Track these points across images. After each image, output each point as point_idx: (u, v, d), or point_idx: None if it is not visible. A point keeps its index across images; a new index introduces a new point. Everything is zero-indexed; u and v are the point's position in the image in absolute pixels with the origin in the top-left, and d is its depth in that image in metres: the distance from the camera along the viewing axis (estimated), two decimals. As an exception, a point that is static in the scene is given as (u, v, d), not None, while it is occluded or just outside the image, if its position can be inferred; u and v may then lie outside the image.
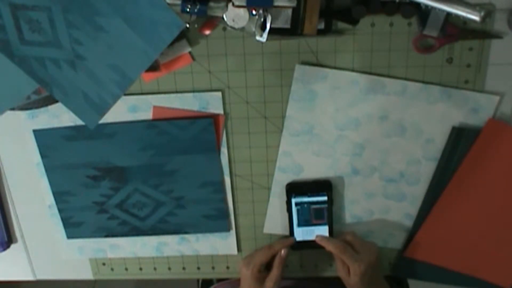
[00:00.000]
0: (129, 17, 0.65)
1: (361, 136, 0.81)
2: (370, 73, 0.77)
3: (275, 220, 0.88)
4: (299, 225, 0.86)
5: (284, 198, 0.85)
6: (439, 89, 0.77)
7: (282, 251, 0.84)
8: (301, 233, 0.86)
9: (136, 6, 0.64)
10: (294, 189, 0.84)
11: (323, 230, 0.85)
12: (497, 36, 0.73)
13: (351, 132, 0.81)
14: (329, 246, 0.82)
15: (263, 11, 0.68)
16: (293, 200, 0.84)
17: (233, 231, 0.89)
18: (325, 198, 0.84)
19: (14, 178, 0.89)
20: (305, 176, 0.84)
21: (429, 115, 0.78)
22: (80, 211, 0.89)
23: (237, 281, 0.90)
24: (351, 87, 0.77)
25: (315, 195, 0.84)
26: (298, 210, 0.85)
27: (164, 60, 0.76)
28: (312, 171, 0.84)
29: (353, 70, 0.77)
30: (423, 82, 0.76)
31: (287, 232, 0.87)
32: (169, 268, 0.94)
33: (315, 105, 0.79)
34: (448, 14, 0.69)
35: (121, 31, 0.65)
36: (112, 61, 0.67)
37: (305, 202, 0.84)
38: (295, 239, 0.86)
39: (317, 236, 0.84)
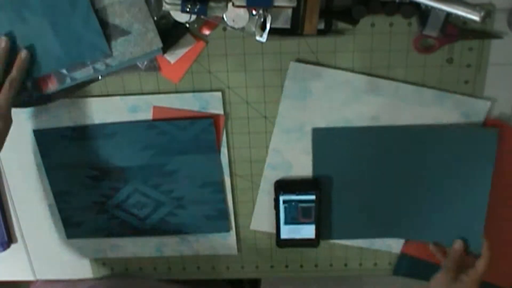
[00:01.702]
0: (57, 23, 0.67)
1: (352, 136, 0.81)
2: (365, 73, 0.76)
3: (262, 217, 0.88)
4: (286, 222, 0.85)
5: (273, 195, 0.85)
6: (432, 92, 0.77)
7: (22, 53, 0.70)
8: (288, 231, 0.86)
9: (68, 18, 0.67)
10: (282, 186, 0.84)
11: (310, 229, 0.85)
12: (497, 36, 0.73)
13: None
14: (451, 257, 0.83)
15: (263, 11, 0.68)
16: (281, 198, 0.84)
17: (233, 231, 0.89)
18: (313, 197, 0.83)
19: (14, 178, 0.89)
20: (295, 174, 0.84)
21: (420, 118, 0.78)
22: (80, 211, 0.89)
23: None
24: (344, 86, 0.77)
25: (304, 193, 0.83)
26: (285, 208, 0.84)
27: (176, 58, 0.76)
28: (302, 169, 0.84)
29: (353, 70, 0.76)
30: (417, 84, 0.76)
31: (273, 230, 0.87)
32: (169, 268, 0.94)
33: (307, 103, 0.79)
34: (448, 14, 0.69)
35: (43, 32, 0.68)
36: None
37: (293, 200, 0.84)
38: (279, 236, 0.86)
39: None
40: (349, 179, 0.83)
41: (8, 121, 0.72)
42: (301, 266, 0.92)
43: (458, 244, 0.83)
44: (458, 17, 0.69)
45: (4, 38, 0.68)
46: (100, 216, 0.89)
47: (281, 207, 0.84)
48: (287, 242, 0.87)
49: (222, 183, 0.85)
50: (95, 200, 0.88)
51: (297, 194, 0.83)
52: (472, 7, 0.67)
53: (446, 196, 0.82)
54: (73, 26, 0.68)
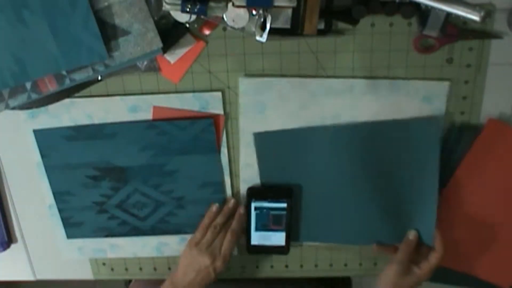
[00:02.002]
0: (56, 25, 0.67)
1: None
2: (315, 76, 0.77)
3: None
4: (256, 229, 0.86)
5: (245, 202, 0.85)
6: (386, 83, 0.76)
7: (241, 209, 0.85)
8: (258, 237, 0.86)
9: (67, 20, 0.67)
10: (255, 193, 0.84)
11: (280, 236, 0.85)
12: (497, 36, 0.73)
13: None
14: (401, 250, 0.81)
15: (263, 11, 0.68)
16: (253, 204, 0.84)
17: (233, 231, 0.89)
18: (284, 205, 0.83)
19: (14, 178, 0.89)
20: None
21: (381, 110, 0.78)
22: (80, 211, 0.89)
23: (155, 282, 0.91)
24: (298, 92, 0.78)
25: (275, 201, 0.83)
26: (257, 215, 0.84)
27: (176, 58, 0.76)
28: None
29: (352, 71, 0.77)
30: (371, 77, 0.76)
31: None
32: (169, 268, 0.94)
33: (266, 115, 0.79)
34: (448, 14, 0.69)
35: (42, 33, 0.67)
36: (18, 53, 0.68)
37: (265, 208, 0.84)
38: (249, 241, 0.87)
39: (376, 245, 0.83)
40: (300, 182, 0.83)
41: (226, 265, 0.83)
42: (301, 266, 0.92)
43: (412, 235, 0.82)
44: (458, 17, 0.69)
45: (234, 200, 0.85)
46: (100, 216, 0.89)
47: (253, 213, 0.84)
48: (257, 249, 0.87)
49: (222, 183, 0.85)
50: (95, 200, 0.88)
51: (269, 202, 0.83)
52: (472, 7, 0.67)
53: (398, 190, 0.82)
54: (72, 28, 0.68)
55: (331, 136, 0.79)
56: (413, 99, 0.77)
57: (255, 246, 0.87)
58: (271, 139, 0.80)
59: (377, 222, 0.84)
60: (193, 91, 0.79)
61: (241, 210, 0.85)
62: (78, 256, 0.94)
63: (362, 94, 0.77)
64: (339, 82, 0.77)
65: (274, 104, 0.78)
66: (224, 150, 0.83)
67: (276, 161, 0.82)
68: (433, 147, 0.78)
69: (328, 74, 0.77)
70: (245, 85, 0.78)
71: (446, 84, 0.76)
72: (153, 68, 0.77)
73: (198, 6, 0.66)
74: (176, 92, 0.79)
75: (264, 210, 0.84)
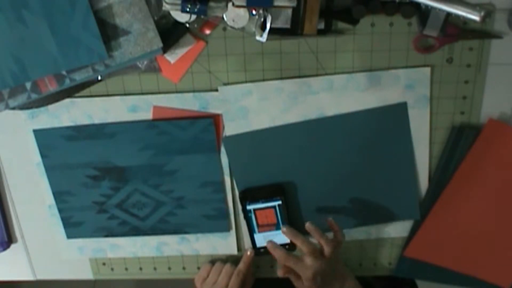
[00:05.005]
0: (56, 25, 0.67)
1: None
2: (295, 77, 0.77)
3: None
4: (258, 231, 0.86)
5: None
6: (365, 75, 0.77)
7: (249, 251, 0.86)
8: (262, 239, 0.86)
9: (67, 20, 0.67)
10: (247, 196, 0.84)
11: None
12: (497, 36, 0.73)
13: None
14: (275, 255, 0.78)
15: (263, 11, 0.68)
16: (248, 207, 0.84)
17: (233, 231, 0.89)
18: (279, 202, 0.83)
19: (14, 178, 0.89)
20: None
21: (364, 103, 0.78)
22: (80, 211, 0.89)
23: None
24: (277, 94, 0.78)
25: (269, 200, 0.83)
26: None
27: (176, 58, 0.76)
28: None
29: (352, 70, 0.77)
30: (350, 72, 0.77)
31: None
32: (169, 268, 0.94)
33: (249, 121, 0.80)
34: (448, 14, 0.69)
35: (41, 33, 0.68)
36: (18, 53, 0.68)
37: (260, 208, 0.84)
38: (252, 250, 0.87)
39: (268, 242, 0.80)
40: (283, 180, 0.84)
41: None
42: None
43: (309, 224, 0.79)
44: (458, 17, 0.69)
45: (251, 250, 0.86)
46: (100, 216, 0.89)
47: (250, 216, 0.85)
48: (264, 250, 0.86)
49: (222, 183, 0.85)
50: (95, 200, 0.88)
51: (263, 202, 0.83)
52: (472, 7, 0.67)
53: (380, 174, 0.83)
54: (72, 28, 0.68)
55: (304, 130, 0.80)
56: (395, 88, 0.77)
57: (261, 248, 0.87)
58: (242, 141, 0.81)
59: (366, 204, 0.85)
60: (193, 91, 0.79)
61: (249, 252, 0.86)
62: (78, 256, 0.94)
63: (342, 89, 0.77)
64: (317, 80, 0.77)
65: (256, 109, 0.79)
66: (224, 150, 0.83)
67: (250, 162, 0.82)
68: (405, 128, 0.79)
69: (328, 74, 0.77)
70: (224, 93, 0.78)
71: (427, 69, 0.76)
72: (153, 68, 0.77)
73: (198, 6, 0.66)
74: (176, 92, 0.80)
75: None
